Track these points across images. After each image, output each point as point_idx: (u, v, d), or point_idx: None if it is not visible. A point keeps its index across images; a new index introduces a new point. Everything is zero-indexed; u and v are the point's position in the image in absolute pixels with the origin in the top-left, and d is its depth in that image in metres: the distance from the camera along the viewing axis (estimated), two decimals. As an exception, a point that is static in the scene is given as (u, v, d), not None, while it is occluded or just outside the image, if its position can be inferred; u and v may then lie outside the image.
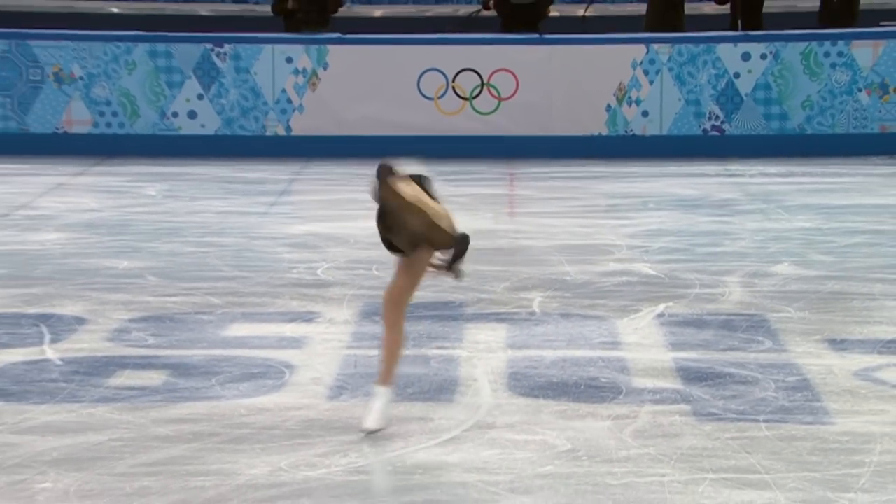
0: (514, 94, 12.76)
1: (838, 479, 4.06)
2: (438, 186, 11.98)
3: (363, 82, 12.61)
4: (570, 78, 12.72)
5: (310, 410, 4.93)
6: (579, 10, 15.16)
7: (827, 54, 12.48)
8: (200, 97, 12.57)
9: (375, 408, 4.68)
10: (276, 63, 12.60)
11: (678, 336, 5.94)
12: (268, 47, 12.61)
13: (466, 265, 4.74)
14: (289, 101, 12.62)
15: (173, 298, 6.72)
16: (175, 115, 12.55)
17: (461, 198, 10.53)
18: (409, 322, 6.28)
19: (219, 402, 5.03)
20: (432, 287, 7.09)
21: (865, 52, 12.46)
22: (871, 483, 4.01)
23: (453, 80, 12.75)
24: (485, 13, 13.67)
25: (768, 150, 12.32)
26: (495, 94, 12.78)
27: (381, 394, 4.70)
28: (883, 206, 9.63)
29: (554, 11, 14.04)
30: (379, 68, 12.64)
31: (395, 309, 4.73)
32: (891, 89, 12.42)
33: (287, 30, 13.10)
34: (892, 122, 12.47)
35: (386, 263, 7.76)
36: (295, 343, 5.93)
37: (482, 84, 12.78)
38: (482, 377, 5.34)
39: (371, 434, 4.61)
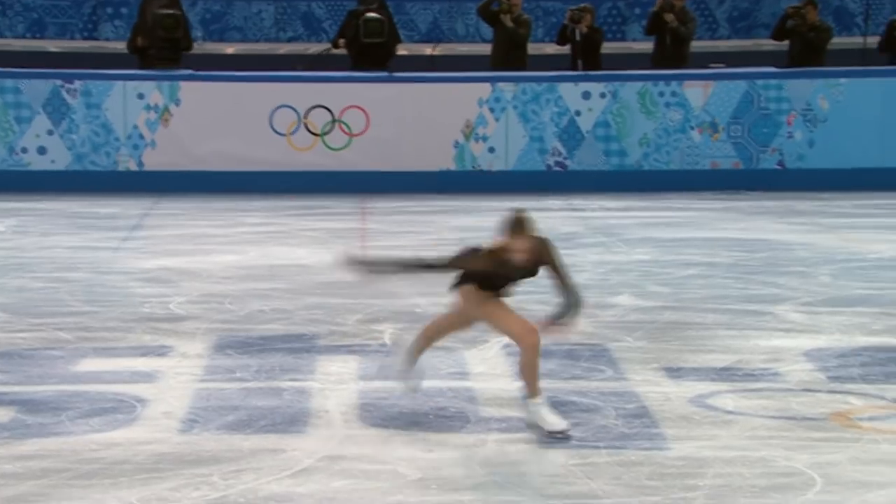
0: (365, 131, 12.79)
1: (674, 503, 4.15)
2: (291, 221, 11.80)
3: (215, 118, 12.49)
4: (419, 115, 12.80)
5: (161, 444, 4.84)
6: (427, 49, 15.29)
7: (661, 94, 12.82)
8: (50, 133, 12.30)
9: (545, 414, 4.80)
10: (127, 99, 12.40)
11: (524, 366, 5.98)
12: (119, 83, 12.41)
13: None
14: (141, 136, 12.43)
15: (22, 334, 6.53)
16: (24, 150, 12.25)
17: (314, 232, 10.49)
18: (262, 355, 6.24)
19: (69, 438, 4.91)
20: (284, 320, 7.04)
21: (696, 93, 12.83)
22: (706, 505, 4.11)
23: (305, 117, 12.72)
24: (335, 51, 13.70)
25: (608, 186, 12.58)
26: (346, 130, 12.79)
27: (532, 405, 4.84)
28: (715, 240, 9.91)
29: (402, 50, 14.13)
30: (231, 104, 12.54)
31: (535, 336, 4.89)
32: (720, 128, 12.82)
33: (141, 67, 12.92)
34: (722, 159, 12.87)
35: (239, 297, 7.70)
36: (147, 377, 5.83)
37: (333, 120, 12.78)
38: (334, 408, 5.32)
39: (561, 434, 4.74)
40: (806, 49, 13.50)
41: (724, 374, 5.86)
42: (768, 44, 14.39)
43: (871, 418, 5.13)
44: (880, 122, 12.70)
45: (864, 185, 12.46)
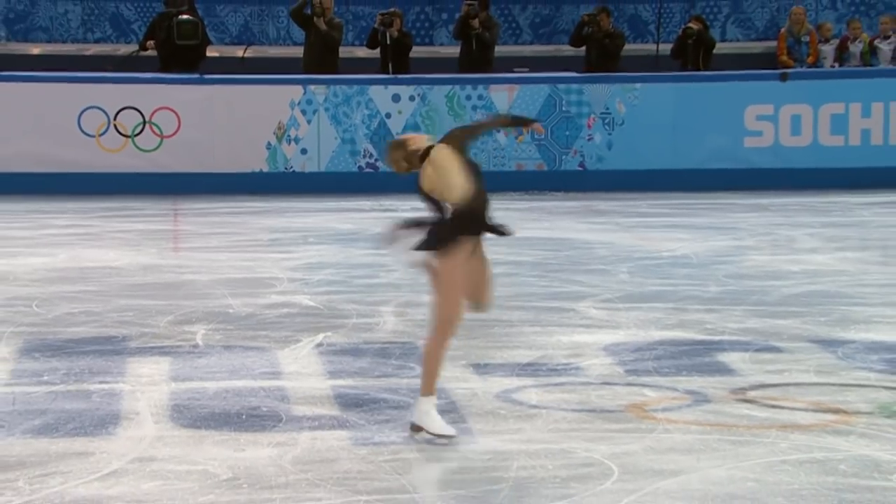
0: (176, 132, 12.57)
1: (480, 496, 4.21)
2: (101, 223, 11.49)
3: (21, 119, 12.10)
4: (230, 116, 12.65)
5: (-35, 452, 4.66)
6: (238, 51, 15.12)
7: (468, 97, 12.98)
8: None
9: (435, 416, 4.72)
10: (-72, 99, 11.93)
11: (336, 364, 6.00)
12: (-80, 82, 11.93)
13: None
14: (-56, 137, 11.97)
15: None
16: None
17: (125, 234, 10.25)
18: (71, 358, 6.07)
19: None
20: (94, 323, 6.85)
21: (502, 96, 13.04)
22: (509, 498, 4.18)
23: (115, 118, 12.43)
24: (143, 53, 13.44)
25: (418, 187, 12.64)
26: (157, 131, 12.55)
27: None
28: (520, 239, 10.05)
29: (213, 52, 13.95)
30: (38, 105, 12.17)
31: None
32: (525, 130, 13.04)
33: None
34: (527, 161, 13.11)
35: (47, 300, 7.46)
36: (-50, 383, 5.60)
37: (144, 122, 12.52)
38: (144, 410, 5.22)
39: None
40: (602, 55, 13.86)
41: (529, 369, 5.97)
42: (568, 49, 14.73)
43: (664, 409, 5.29)
44: (673, 125, 13.13)
45: (657, 185, 12.86)
